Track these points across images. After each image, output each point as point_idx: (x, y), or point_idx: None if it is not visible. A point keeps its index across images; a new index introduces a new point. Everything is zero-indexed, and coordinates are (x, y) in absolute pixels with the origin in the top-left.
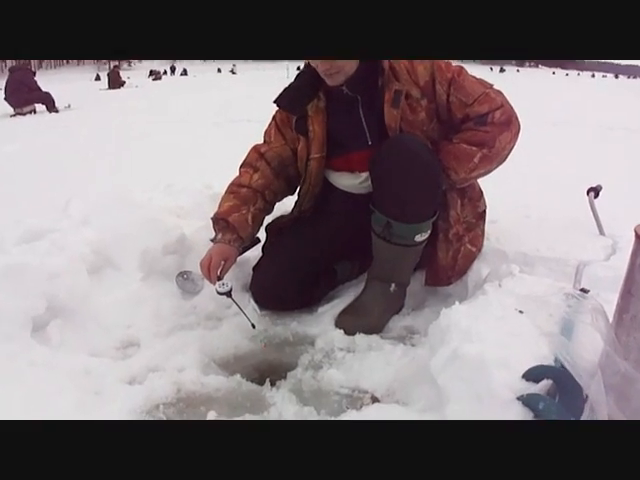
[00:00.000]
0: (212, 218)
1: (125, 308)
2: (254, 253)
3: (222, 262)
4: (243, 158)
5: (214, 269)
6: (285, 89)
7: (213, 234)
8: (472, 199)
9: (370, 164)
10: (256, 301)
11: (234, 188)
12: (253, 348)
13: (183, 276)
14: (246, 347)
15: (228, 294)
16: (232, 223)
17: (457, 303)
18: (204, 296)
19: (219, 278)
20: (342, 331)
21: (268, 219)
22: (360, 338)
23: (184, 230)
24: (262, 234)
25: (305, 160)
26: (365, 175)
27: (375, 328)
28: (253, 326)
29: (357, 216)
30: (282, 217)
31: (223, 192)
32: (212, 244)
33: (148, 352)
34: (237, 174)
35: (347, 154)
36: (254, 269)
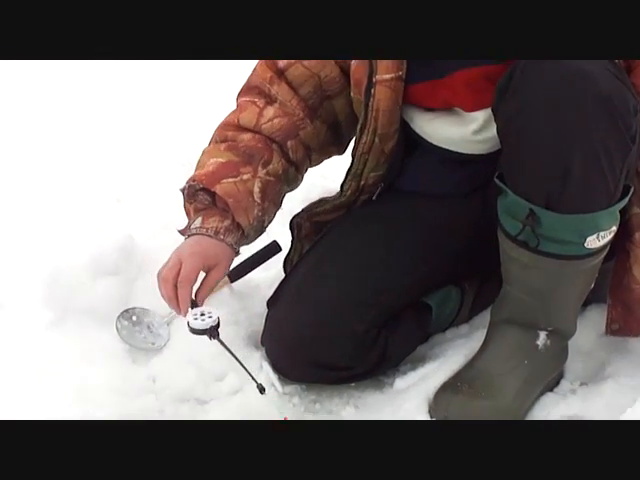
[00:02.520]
0: (182, 189)
1: (17, 380)
2: (270, 273)
3: (201, 272)
4: (246, 80)
5: (186, 285)
6: None
7: (184, 222)
8: None
9: (495, 95)
10: (275, 367)
11: (228, 133)
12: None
13: (131, 318)
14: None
15: (212, 333)
16: (223, 197)
17: None
18: (172, 354)
19: (195, 304)
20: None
21: (295, 206)
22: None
23: (132, 231)
24: (284, 236)
25: (365, 86)
26: (483, 117)
27: (508, 419)
28: (262, 390)
29: (468, 201)
30: (323, 202)
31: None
32: (182, 239)
33: None
34: (232, 110)
35: (445, 77)
36: (270, 305)
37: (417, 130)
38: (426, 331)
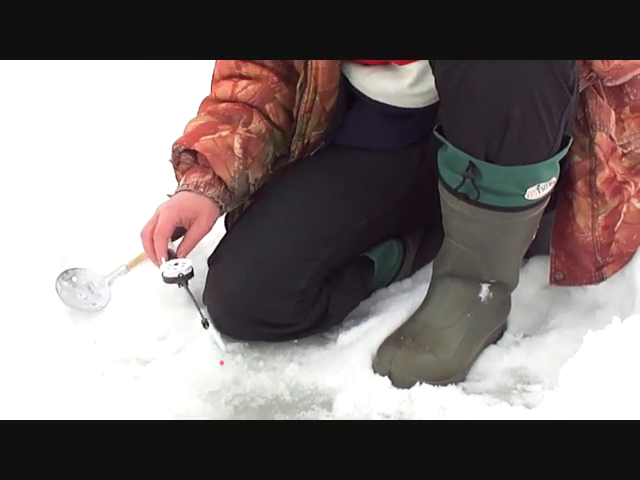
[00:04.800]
0: (170, 159)
1: None
2: (212, 231)
3: (177, 222)
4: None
5: (160, 237)
6: None
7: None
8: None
9: None
10: (217, 325)
11: (207, 107)
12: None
13: (71, 279)
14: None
15: (180, 281)
16: (201, 152)
17: (616, 320)
18: (114, 314)
19: (174, 256)
20: (386, 378)
21: None
22: (423, 393)
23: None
24: None
25: None
26: (417, 69)
27: (452, 372)
28: (205, 324)
29: (408, 155)
30: (274, 166)
31: None
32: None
33: None
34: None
35: None
36: (211, 263)
37: (355, 85)
38: (369, 286)
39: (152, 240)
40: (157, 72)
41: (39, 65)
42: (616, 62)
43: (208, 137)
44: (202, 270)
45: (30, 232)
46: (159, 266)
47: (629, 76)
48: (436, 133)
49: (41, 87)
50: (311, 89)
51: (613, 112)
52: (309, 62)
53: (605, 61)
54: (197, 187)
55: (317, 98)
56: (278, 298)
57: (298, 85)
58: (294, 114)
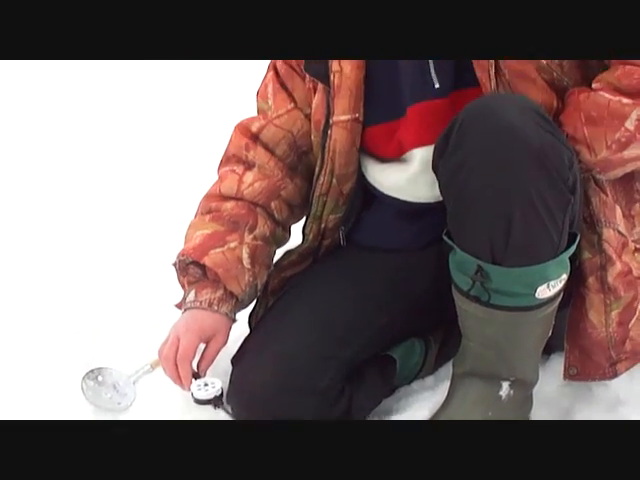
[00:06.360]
0: (173, 263)
1: None
2: (236, 329)
3: (199, 345)
4: (224, 150)
5: (184, 362)
6: None
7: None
8: None
9: (434, 154)
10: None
11: (211, 204)
12: None
13: (97, 378)
14: None
15: (216, 402)
16: (212, 268)
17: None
18: (139, 413)
19: (196, 375)
20: None
21: None
22: None
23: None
24: None
25: (322, 127)
26: (420, 154)
27: None
28: None
29: (425, 254)
30: (288, 254)
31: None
32: (180, 313)
33: None
34: (214, 181)
35: (400, 118)
36: (235, 362)
37: (370, 180)
38: (391, 384)
39: (176, 365)
40: (163, 73)
41: (39, 65)
42: (603, 155)
43: (217, 250)
44: (226, 368)
45: (54, 332)
46: (186, 389)
47: (619, 171)
48: (445, 237)
49: (42, 88)
50: (328, 171)
51: (618, 208)
52: (326, 144)
53: (592, 152)
54: (211, 305)
55: (334, 180)
56: (300, 396)
57: (317, 168)
58: (310, 197)
